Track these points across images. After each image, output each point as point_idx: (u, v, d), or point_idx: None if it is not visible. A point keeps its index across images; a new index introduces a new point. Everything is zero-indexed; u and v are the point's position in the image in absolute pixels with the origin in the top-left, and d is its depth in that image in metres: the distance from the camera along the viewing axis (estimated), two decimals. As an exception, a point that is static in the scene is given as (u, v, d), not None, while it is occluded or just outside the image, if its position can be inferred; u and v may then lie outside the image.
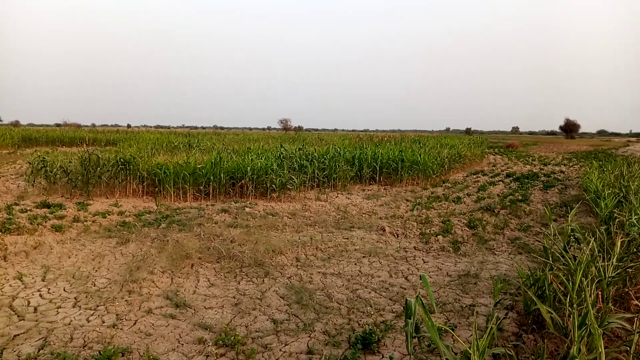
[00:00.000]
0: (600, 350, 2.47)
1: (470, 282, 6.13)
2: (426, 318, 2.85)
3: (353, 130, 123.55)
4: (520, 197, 13.14)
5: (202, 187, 12.12)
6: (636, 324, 3.59)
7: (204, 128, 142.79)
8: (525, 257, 7.32)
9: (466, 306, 5.27)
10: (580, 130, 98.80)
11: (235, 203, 11.45)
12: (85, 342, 4.26)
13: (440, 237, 8.54)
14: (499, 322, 4.23)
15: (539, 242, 8.12)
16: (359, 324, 4.77)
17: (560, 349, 3.92)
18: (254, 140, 27.81)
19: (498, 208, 11.45)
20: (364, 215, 10.64)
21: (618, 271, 4.64)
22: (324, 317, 4.95)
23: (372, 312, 5.09)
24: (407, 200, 12.73)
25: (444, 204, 12.27)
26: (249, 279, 6.13)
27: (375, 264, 6.94)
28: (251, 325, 4.73)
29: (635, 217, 6.40)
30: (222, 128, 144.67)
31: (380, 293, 5.72)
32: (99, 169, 12.04)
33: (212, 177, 12.18)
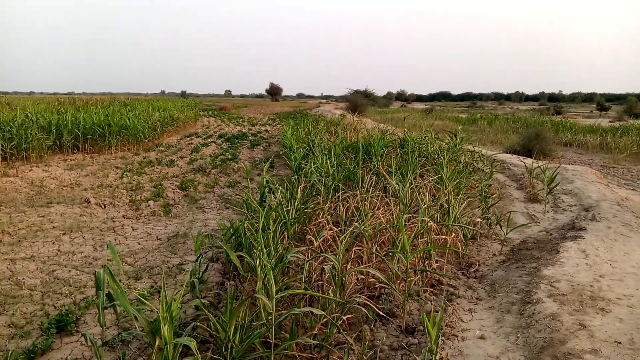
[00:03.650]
0: (271, 282, 2.88)
1: (180, 242, 6.28)
2: (115, 286, 2.79)
3: (55, 93, 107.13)
4: (230, 156, 13.96)
5: None
6: (307, 254, 4.33)
7: None
8: (231, 212, 7.89)
9: (174, 266, 5.39)
10: (283, 93, 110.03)
11: None
12: None
13: (151, 202, 8.40)
14: (200, 275, 4.47)
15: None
16: (55, 307, 4.34)
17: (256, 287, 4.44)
18: None
19: (209, 168, 11.94)
20: (65, 188, 9.57)
21: (299, 213, 5.47)
22: (10, 308, 4.31)
23: (72, 291, 4.70)
24: (117, 168, 12.00)
25: (157, 168, 12.06)
26: None
27: (77, 240, 6.37)
28: None
29: (314, 165, 7.58)
30: None
31: (82, 270, 5.31)
32: None
33: None
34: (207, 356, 3.10)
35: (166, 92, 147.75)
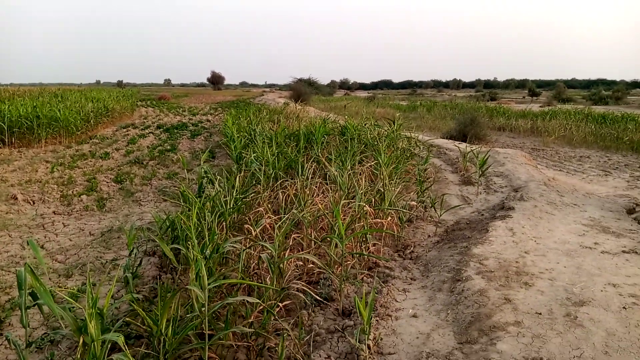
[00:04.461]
0: (203, 273, 2.85)
1: (114, 237, 6.07)
2: (37, 285, 2.66)
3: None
4: (169, 147, 13.58)
5: None
6: (244, 243, 4.31)
7: None
8: (169, 204, 7.69)
9: (107, 262, 5.21)
10: (226, 82, 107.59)
11: None
12: None
13: (84, 196, 8.04)
14: (134, 269, 4.34)
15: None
16: (-24, 311, 4.09)
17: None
18: None
19: (147, 160, 11.56)
20: (-11, 184, 8.98)
21: (238, 202, 5.42)
22: None
23: (-3, 293, 4.44)
24: (47, 162, 11.37)
25: (91, 161, 11.54)
26: None
27: (3, 239, 6.02)
28: None
29: (254, 154, 7.52)
30: None
31: (8, 270, 5.03)
32: None
33: None
34: (140, 352, 3.03)
35: (102, 82, 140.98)
